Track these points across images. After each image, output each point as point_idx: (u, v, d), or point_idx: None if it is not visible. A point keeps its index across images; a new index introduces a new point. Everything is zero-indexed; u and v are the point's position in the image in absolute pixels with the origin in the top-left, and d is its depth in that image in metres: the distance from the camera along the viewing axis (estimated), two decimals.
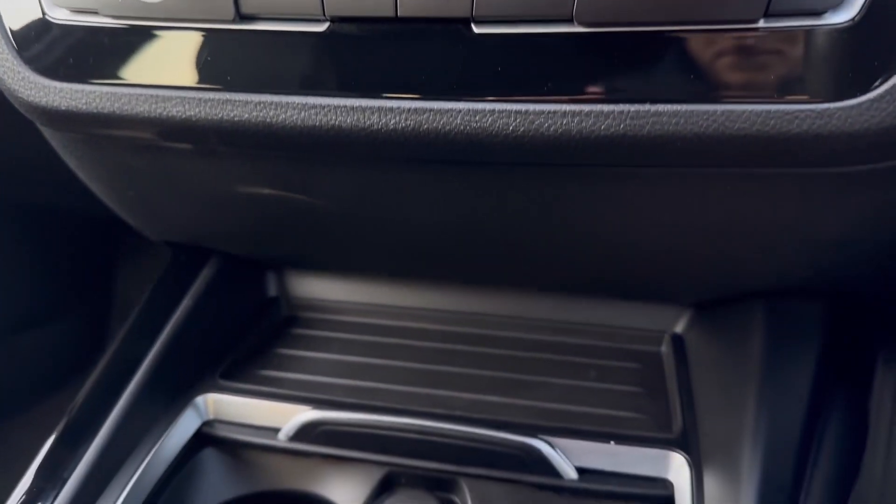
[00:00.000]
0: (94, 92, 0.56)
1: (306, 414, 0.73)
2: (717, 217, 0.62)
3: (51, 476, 0.65)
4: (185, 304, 0.79)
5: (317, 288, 0.91)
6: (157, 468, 0.71)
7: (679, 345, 0.80)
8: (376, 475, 0.74)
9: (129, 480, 0.68)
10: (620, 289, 0.81)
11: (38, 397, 1.86)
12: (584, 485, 0.69)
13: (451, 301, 0.88)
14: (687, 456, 0.67)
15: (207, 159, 0.62)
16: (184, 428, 0.75)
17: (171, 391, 0.76)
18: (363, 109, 0.51)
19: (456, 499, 0.73)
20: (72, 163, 0.71)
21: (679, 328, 0.82)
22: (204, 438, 0.76)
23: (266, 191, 0.66)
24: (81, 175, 0.72)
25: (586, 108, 0.48)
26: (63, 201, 1.17)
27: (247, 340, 0.84)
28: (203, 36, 0.53)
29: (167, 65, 0.55)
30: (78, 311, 1.92)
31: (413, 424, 0.72)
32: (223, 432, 0.76)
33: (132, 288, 2.00)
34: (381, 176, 0.61)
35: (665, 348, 0.81)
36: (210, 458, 0.76)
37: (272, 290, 0.90)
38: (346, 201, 0.66)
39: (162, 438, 0.72)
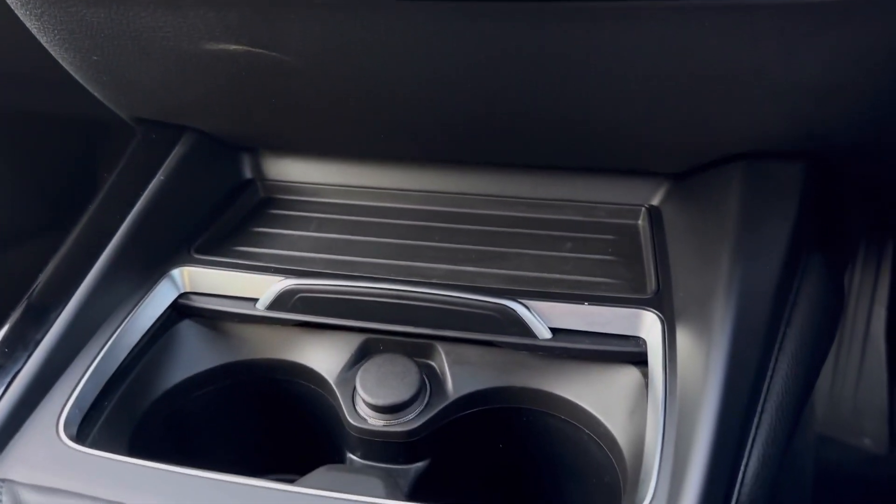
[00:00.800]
0: None
1: (283, 282, 0.73)
2: (697, 64, 0.61)
3: (21, 338, 0.65)
4: (158, 178, 0.78)
5: (292, 170, 0.89)
6: (131, 336, 0.71)
7: (656, 216, 0.80)
8: (355, 342, 0.75)
9: (102, 347, 0.68)
10: (598, 159, 0.80)
11: None
12: (558, 343, 0.70)
13: (428, 181, 0.87)
14: (660, 314, 0.68)
15: (169, 11, 0.60)
16: (159, 300, 0.75)
17: (145, 263, 0.75)
18: None
19: (433, 363, 0.74)
20: (33, 25, 0.69)
21: (656, 200, 0.81)
22: (181, 310, 0.76)
23: (233, 47, 0.64)
24: (44, 40, 0.70)
25: None
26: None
27: (221, 219, 0.83)
28: None
29: None
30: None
31: (390, 290, 0.72)
32: (200, 303, 0.76)
33: None
34: (351, 24, 0.59)
35: (642, 221, 0.81)
36: (187, 330, 0.76)
37: (247, 173, 0.89)
38: (317, 56, 0.64)
39: (136, 308, 0.72)
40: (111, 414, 0.67)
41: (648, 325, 0.69)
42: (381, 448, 0.70)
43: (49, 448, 0.60)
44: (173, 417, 0.73)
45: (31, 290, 0.70)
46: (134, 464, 0.59)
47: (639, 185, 0.82)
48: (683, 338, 0.65)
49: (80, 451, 0.60)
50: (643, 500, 0.55)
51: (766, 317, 0.66)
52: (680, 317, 0.67)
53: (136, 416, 0.70)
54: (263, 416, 0.77)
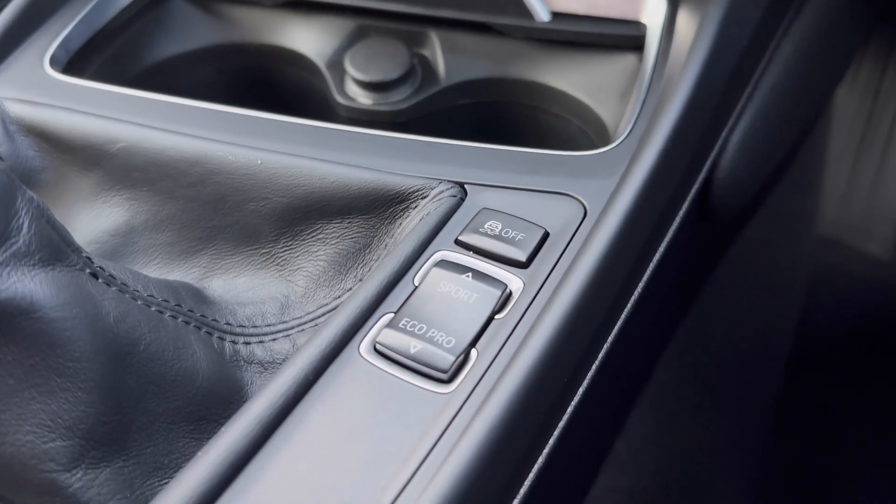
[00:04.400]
0: None
1: None
2: None
3: None
4: None
5: None
6: (114, 4, 0.69)
7: None
8: (346, 27, 0.72)
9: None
10: None
11: None
12: (556, 26, 0.67)
13: None
14: None
15: None
16: None
17: None
18: None
19: (426, 51, 0.72)
20: None
21: None
22: None
23: None
24: None
25: None
26: None
27: None
28: None
29: None
30: None
31: None
32: None
33: None
34: None
35: None
36: (179, 6, 0.74)
37: None
38: None
39: None
40: (97, 71, 0.67)
41: (651, 10, 0.65)
42: (370, 128, 0.70)
43: (35, 75, 0.60)
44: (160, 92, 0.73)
45: None
46: (127, 93, 0.58)
47: None
48: (683, 18, 0.62)
49: (67, 80, 0.60)
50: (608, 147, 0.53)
51: (763, 12, 0.62)
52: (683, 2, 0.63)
53: (122, 81, 0.70)
54: (251, 103, 0.76)
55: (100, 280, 0.40)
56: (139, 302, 0.42)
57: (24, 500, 0.38)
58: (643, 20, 0.66)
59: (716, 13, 0.59)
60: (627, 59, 0.66)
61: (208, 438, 0.43)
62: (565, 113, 0.70)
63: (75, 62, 0.64)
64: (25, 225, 0.36)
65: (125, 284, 0.42)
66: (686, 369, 0.84)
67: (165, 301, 0.44)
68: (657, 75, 0.59)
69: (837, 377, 1.22)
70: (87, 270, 0.39)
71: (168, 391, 0.41)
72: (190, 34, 0.74)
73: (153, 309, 0.43)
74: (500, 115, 0.72)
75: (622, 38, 0.66)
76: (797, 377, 1.16)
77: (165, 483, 0.41)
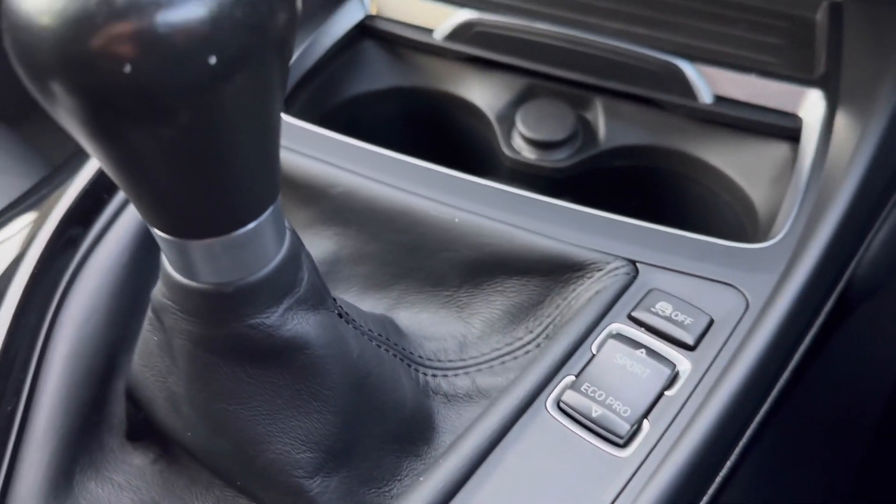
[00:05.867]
0: None
1: (465, 13, 0.78)
2: None
3: None
4: None
5: None
6: (319, 48, 0.78)
7: (836, 11, 0.79)
8: (518, 84, 0.80)
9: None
10: None
11: None
12: (718, 109, 0.73)
13: None
14: (825, 92, 0.69)
15: None
16: (346, 18, 0.81)
17: None
18: None
19: (588, 115, 0.79)
20: None
21: None
22: (365, 30, 0.82)
23: None
24: None
25: None
26: None
27: None
28: None
29: None
30: None
31: (561, 32, 0.76)
32: (383, 26, 0.82)
33: None
34: None
35: (820, 15, 0.80)
36: (369, 52, 0.83)
37: None
38: None
39: (325, 24, 0.79)
40: (301, 108, 0.76)
41: (810, 105, 0.70)
42: (530, 181, 0.77)
43: None
44: (349, 126, 0.82)
45: None
46: (346, 141, 0.66)
47: None
48: (842, 118, 0.67)
49: (291, 122, 0.68)
50: (777, 232, 0.59)
51: None
52: (843, 98, 0.68)
53: (317, 118, 0.79)
54: (425, 144, 0.84)
55: (343, 319, 0.48)
56: (365, 337, 0.50)
57: (271, 498, 0.47)
58: (800, 114, 0.71)
59: (879, 120, 0.64)
60: (781, 148, 0.72)
61: (407, 457, 0.51)
62: (716, 187, 0.76)
63: (287, 100, 0.74)
64: (305, 277, 0.44)
65: (356, 321, 0.50)
66: (786, 431, 0.89)
67: (380, 335, 0.53)
68: (815, 171, 0.64)
69: None
70: (336, 311, 0.48)
71: (385, 416, 0.50)
72: (378, 75, 0.82)
73: (374, 343, 0.51)
74: (653, 180, 0.79)
75: (779, 128, 0.71)
76: (884, 442, 1.18)
77: (374, 493, 0.49)
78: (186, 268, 0.40)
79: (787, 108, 0.72)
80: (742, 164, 0.73)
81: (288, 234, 0.43)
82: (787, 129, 0.71)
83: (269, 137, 0.37)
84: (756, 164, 0.73)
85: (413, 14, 0.81)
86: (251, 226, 0.38)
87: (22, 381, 0.48)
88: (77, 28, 0.28)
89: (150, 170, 0.34)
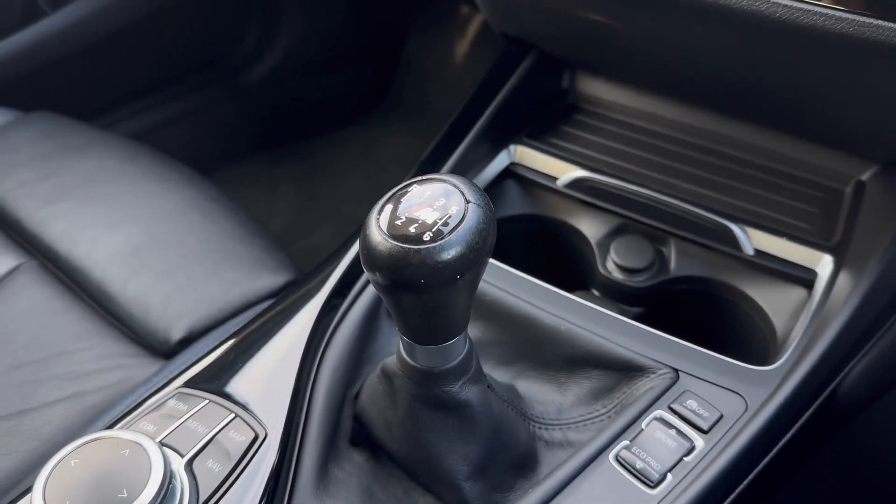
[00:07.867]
0: None
1: (580, 172, 1.11)
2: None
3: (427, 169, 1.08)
4: (511, 82, 1.16)
5: (598, 88, 1.24)
6: (479, 183, 1.12)
7: (860, 188, 1.06)
8: (614, 222, 1.11)
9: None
10: (825, 136, 1.07)
11: (338, 125, 2.43)
12: (757, 260, 1.02)
13: (692, 117, 1.18)
14: (835, 259, 0.98)
15: None
16: (498, 163, 1.15)
17: (494, 141, 1.15)
18: None
19: (664, 249, 1.09)
20: None
21: (865, 176, 1.07)
22: (509, 173, 1.16)
23: (594, 16, 0.98)
24: None
25: None
26: None
27: (543, 115, 1.21)
28: None
29: None
30: (373, 61, 2.41)
31: (646, 194, 1.07)
32: (521, 172, 1.15)
33: (418, 51, 2.44)
34: (672, 24, 0.92)
35: (849, 189, 1.08)
36: (511, 187, 1.17)
37: (565, 83, 1.25)
38: (646, 33, 0.97)
39: (485, 168, 1.13)
40: None
41: (823, 263, 0.99)
42: (617, 293, 1.08)
43: None
44: None
45: (420, 159, 1.12)
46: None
47: (855, 162, 1.08)
48: (843, 277, 0.95)
49: None
50: (780, 355, 0.88)
51: None
52: (847, 263, 0.96)
53: None
54: (543, 256, 1.17)
55: (490, 389, 0.81)
56: (500, 400, 0.83)
57: (440, 490, 0.80)
58: (817, 269, 0.99)
59: (867, 281, 0.92)
60: (801, 292, 1.00)
61: (520, 477, 0.83)
62: (751, 313, 1.04)
63: None
64: (473, 365, 0.77)
65: (496, 390, 0.83)
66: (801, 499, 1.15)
67: (508, 399, 0.85)
68: (816, 314, 0.92)
69: None
70: (487, 384, 0.81)
71: (509, 450, 0.82)
72: (514, 204, 1.16)
73: (505, 404, 0.84)
74: (706, 301, 1.08)
75: (800, 278, 1.00)
76: None
77: (499, 496, 0.81)
78: (413, 356, 0.74)
79: (807, 264, 1.00)
80: (772, 300, 1.02)
81: (468, 341, 0.76)
82: (805, 280, 0.99)
83: (472, 298, 0.70)
84: (782, 301, 1.01)
85: (543, 165, 1.15)
86: (453, 341, 0.72)
87: (303, 406, 0.84)
88: (395, 260, 0.62)
89: (411, 313, 0.68)
